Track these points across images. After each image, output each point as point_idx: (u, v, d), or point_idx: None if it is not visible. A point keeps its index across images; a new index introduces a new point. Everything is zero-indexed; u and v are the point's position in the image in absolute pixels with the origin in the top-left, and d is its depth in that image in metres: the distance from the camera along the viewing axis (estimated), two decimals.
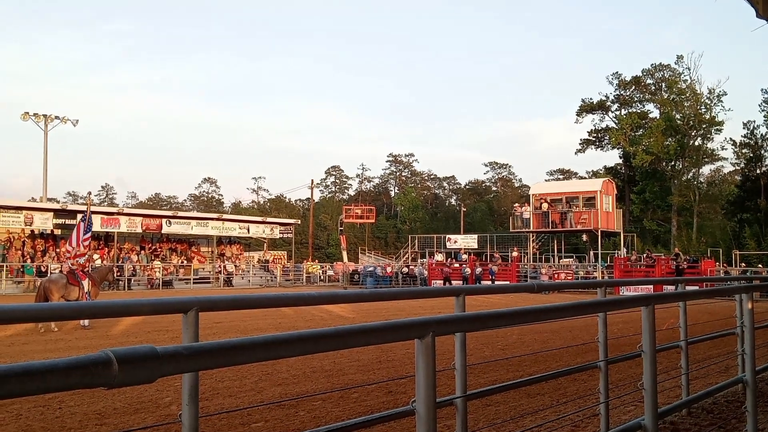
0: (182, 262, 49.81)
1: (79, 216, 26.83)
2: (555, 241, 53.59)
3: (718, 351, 11.75)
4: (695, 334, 8.85)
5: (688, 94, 73.21)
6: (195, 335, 3.25)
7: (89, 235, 22.35)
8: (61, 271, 21.82)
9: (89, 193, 49.58)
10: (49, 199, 55.14)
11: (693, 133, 72.82)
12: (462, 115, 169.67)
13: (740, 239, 62.54)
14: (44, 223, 43.41)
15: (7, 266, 39.91)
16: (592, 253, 50.68)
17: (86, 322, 18.16)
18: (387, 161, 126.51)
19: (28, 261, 41.38)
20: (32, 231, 44.82)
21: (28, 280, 39.30)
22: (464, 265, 47.10)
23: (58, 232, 45.77)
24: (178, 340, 6.23)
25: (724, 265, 44.95)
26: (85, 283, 19.37)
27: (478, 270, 45.59)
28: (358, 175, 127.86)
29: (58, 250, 43.13)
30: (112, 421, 7.50)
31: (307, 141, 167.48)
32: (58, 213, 43.82)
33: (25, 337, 16.02)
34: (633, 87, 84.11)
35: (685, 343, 7.31)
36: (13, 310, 3.01)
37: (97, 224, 43.03)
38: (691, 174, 76.12)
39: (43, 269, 39.44)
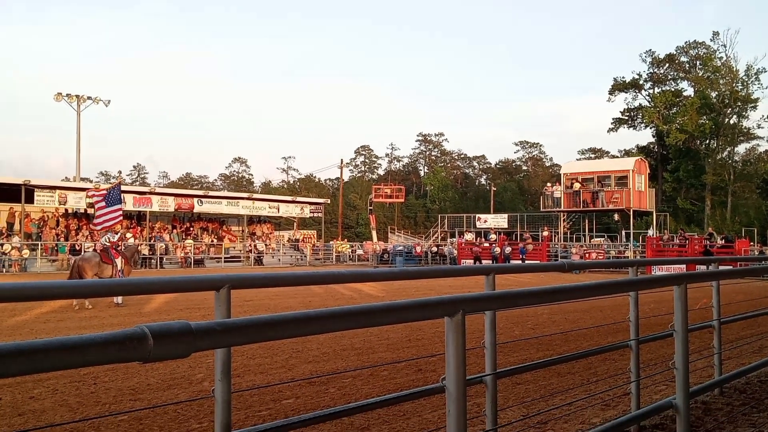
0: (213, 241, 50.23)
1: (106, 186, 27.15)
2: (586, 221, 53.19)
3: (752, 331, 11.63)
4: (728, 313, 8.76)
5: (723, 72, 71.95)
6: (227, 312, 3.28)
7: (120, 206, 22.61)
8: (94, 250, 22.13)
9: (119, 172, 49.94)
10: (83, 179, 55.85)
11: (728, 111, 71.62)
12: (493, 93, 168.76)
13: None
14: (78, 202, 44.01)
15: (41, 245, 40.55)
16: (623, 232, 50.25)
17: (119, 299, 18.41)
18: (417, 140, 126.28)
19: (62, 239, 42.00)
20: (66, 210, 45.47)
21: (62, 258, 39.92)
22: (494, 245, 46.92)
23: (91, 211, 46.32)
24: (210, 317, 6.29)
25: (759, 244, 44.33)
26: (118, 261, 19.62)
27: (508, 249, 45.38)
28: (387, 155, 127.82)
29: (91, 228, 43.76)
30: (146, 397, 7.61)
31: (337, 121, 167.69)
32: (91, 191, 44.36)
33: (60, 314, 16.29)
34: (667, 65, 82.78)
35: (717, 323, 7.24)
36: (51, 286, 3.06)
37: (130, 203, 43.57)
38: (725, 153, 74.96)
39: (77, 248, 40.04)
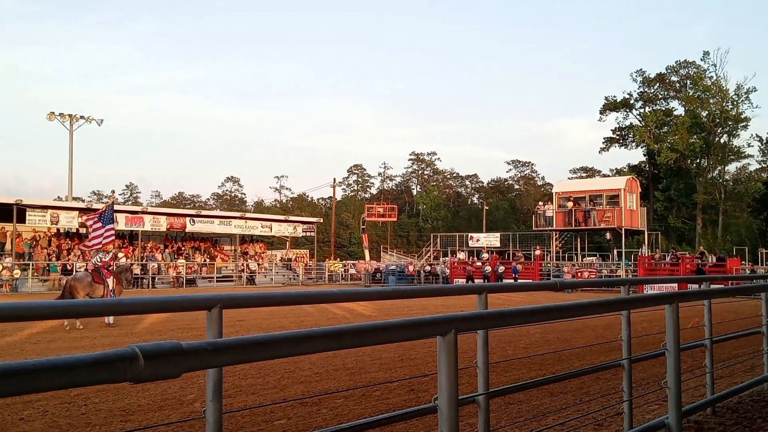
0: (205, 261, 50.09)
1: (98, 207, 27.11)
2: (578, 240, 53.26)
3: (744, 350, 11.63)
4: (720, 332, 8.77)
5: (713, 91, 72.47)
6: (219, 332, 3.28)
7: (112, 226, 22.56)
8: (86, 270, 22.03)
9: (113, 192, 49.82)
10: (75, 198, 55.61)
11: (719, 131, 72.09)
12: (485, 113, 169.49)
13: (766, 237, 61.81)
14: (70, 222, 43.87)
15: (33, 264, 40.36)
16: (615, 251, 50.35)
17: (111, 319, 18.32)
18: (409, 159, 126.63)
19: (54, 259, 41.82)
20: (58, 230, 45.30)
21: (54, 278, 39.71)
22: (485, 264, 46.81)
23: (83, 230, 46.17)
24: (202, 337, 6.27)
25: (750, 263, 44.45)
26: (110, 280, 19.55)
27: (501, 269, 45.35)
28: (380, 174, 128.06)
29: (82, 248, 43.61)
30: (137, 418, 7.56)
31: (330, 140, 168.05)
32: (84, 212, 44.21)
33: (50, 334, 16.19)
34: (657, 84, 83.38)
35: (709, 342, 7.25)
36: (42, 306, 3.05)
37: (122, 223, 43.46)
38: (716, 171, 75.36)
39: (68, 267, 39.86)
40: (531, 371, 10.33)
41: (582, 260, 50.98)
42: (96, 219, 23.45)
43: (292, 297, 4.52)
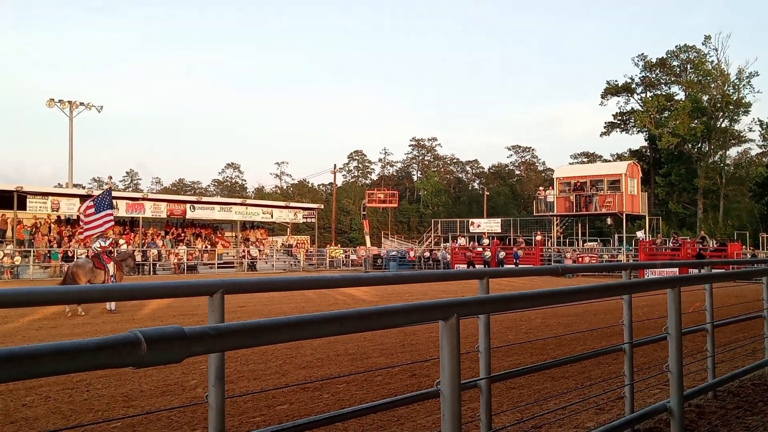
0: (206, 247, 50.09)
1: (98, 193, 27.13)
2: (579, 225, 53.24)
3: (745, 334, 11.65)
4: (721, 317, 8.77)
5: (714, 76, 72.26)
6: (221, 317, 3.28)
7: (111, 212, 22.57)
8: (87, 256, 22.05)
9: (110, 178, 49.75)
10: (75, 185, 55.64)
11: (719, 115, 71.92)
12: (485, 98, 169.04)
13: (767, 222, 61.79)
14: (70, 208, 43.84)
15: (34, 251, 40.38)
16: (616, 236, 50.34)
17: (112, 305, 18.36)
18: (410, 145, 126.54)
19: (55, 246, 41.84)
20: (58, 217, 45.28)
21: (55, 265, 39.75)
22: (485, 249, 46.70)
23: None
24: (204, 323, 6.25)
25: (751, 247, 44.44)
26: (110, 266, 19.58)
27: (502, 254, 45.32)
28: (380, 160, 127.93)
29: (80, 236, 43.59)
30: (139, 404, 7.58)
31: (330, 126, 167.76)
32: (84, 198, 44.19)
33: (52, 320, 16.22)
34: (658, 69, 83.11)
35: (711, 326, 7.26)
36: (43, 292, 3.05)
37: (123, 210, 43.46)
38: (717, 156, 75.22)
39: (69, 254, 39.88)
40: (532, 356, 10.36)
41: (583, 245, 50.97)
42: (90, 205, 23.44)
43: (293, 282, 4.53)
